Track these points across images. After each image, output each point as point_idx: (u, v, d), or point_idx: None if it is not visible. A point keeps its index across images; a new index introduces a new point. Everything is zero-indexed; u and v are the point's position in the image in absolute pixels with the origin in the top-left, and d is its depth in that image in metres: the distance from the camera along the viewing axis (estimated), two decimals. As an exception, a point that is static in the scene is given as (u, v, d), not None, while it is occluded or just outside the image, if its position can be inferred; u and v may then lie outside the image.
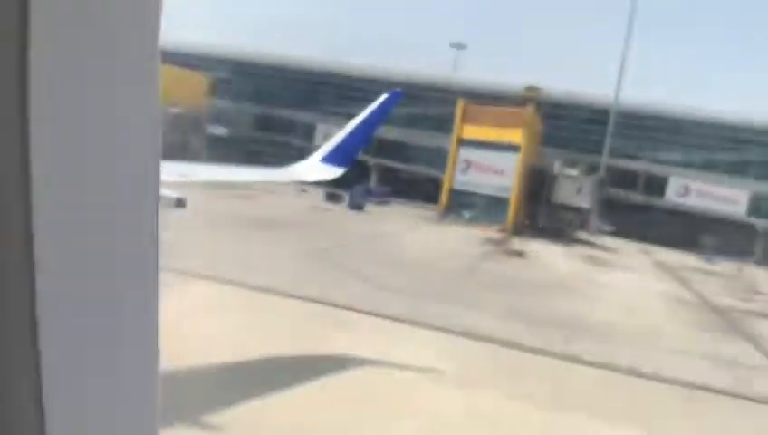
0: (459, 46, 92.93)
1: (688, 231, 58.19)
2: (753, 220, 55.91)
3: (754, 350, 18.48)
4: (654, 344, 17.13)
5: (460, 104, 52.97)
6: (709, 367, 15.41)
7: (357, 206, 46.19)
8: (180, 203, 6.94)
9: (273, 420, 8.34)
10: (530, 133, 49.87)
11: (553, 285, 25.25)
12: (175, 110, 58.02)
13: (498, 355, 13.76)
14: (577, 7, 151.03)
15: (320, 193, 47.19)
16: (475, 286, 22.02)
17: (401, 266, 23.71)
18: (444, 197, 52.23)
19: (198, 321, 11.36)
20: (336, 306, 15.23)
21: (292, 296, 15.44)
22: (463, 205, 51.21)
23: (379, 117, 10.94)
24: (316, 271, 19.68)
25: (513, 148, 49.49)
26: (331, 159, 10.44)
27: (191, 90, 65.76)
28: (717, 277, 39.89)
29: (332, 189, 49.33)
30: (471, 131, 51.50)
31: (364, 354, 11.72)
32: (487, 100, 57.49)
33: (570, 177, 50.37)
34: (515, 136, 49.32)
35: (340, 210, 43.48)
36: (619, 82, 60.09)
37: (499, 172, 50.16)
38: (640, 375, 13.67)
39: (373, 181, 62.87)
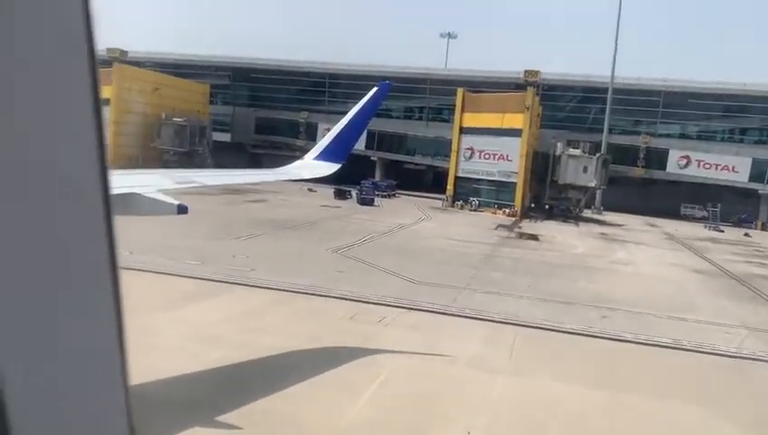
0: (450, 36, 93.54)
1: (692, 201, 58.83)
2: (755, 186, 56.41)
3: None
4: (690, 317, 17.65)
5: (460, 93, 53.29)
6: (749, 336, 15.94)
7: (366, 201, 46.59)
8: (182, 210, 7.25)
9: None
10: (531, 117, 50.22)
11: (575, 266, 25.73)
12: (179, 120, 58.33)
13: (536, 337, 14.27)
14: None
15: (327, 191, 47.59)
16: (504, 272, 22.48)
17: (428, 258, 24.17)
18: (450, 185, 52.62)
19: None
20: (398, 306, 15.73)
21: (355, 300, 15.96)
22: (469, 191, 51.66)
23: (370, 110, 11.26)
24: (357, 269, 20.16)
25: (514, 132, 49.84)
26: (327, 155, 10.78)
27: (195, 99, 66.18)
28: (727, 244, 40.46)
29: (340, 186, 49.80)
30: (472, 119, 51.86)
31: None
32: (483, 87, 57.91)
33: (574, 157, 50.74)
34: (517, 121, 49.67)
35: (351, 206, 43.89)
36: (614, 59, 60.24)
37: (503, 157, 50.57)
38: (694, 349, 14.23)
39: (378, 175, 63.18)
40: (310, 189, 48.32)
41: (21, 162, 0.92)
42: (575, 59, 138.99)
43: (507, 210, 48.49)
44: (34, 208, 0.95)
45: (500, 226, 39.79)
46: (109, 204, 1.03)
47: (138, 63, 63.05)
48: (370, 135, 63.56)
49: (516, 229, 38.92)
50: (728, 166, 57.80)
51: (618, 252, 31.78)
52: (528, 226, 42.17)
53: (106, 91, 52.43)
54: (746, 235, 48.92)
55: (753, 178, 56.76)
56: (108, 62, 54.72)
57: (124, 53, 60.05)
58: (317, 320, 14.02)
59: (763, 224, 55.68)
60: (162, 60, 67.54)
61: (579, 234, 39.68)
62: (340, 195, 49.21)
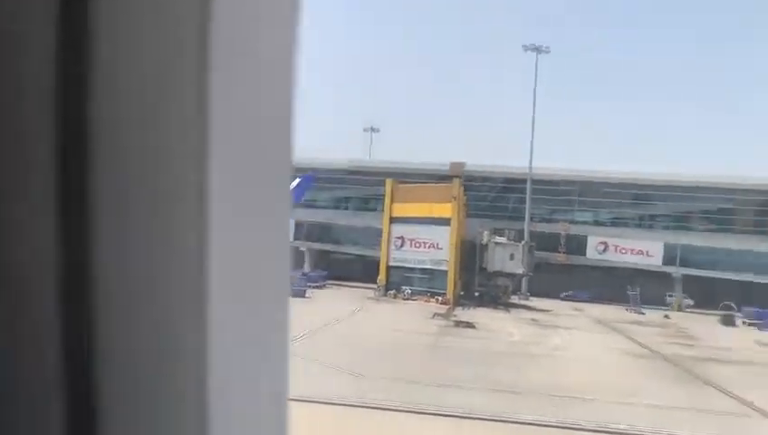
0: (372, 130, 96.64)
1: (612, 285, 61.16)
2: (667, 268, 59.61)
3: (723, 395, 19.53)
4: (640, 401, 17.73)
5: (389, 184, 54.37)
6: (698, 417, 16.12)
7: (297, 293, 45.55)
8: None
9: None
10: (458, 206, 51.67)
11: (516, 354, 25.74)
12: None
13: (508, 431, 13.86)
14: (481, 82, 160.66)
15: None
16: (446, 363, 22.11)
17: (367, 352, 23.51)
18: (382, 274, 52.57)
19: None
20: (328, 403, 14.92)
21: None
22: (401, 280, 51.72)
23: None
24: (299, 366, 19.20)
25: (443, 221, 50.97)
26: None
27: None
28: (651, 327, 41.93)
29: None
30: (401, 209, 52.73)
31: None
32: (409, 178, 59.47)
33: (501, 244, 52.16)
34: (445, 210, 50.92)
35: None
36: (531, 151, 63.78)
37: (433, 245, 51.31)
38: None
39: (307, 266, 62.45)
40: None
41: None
42: (496, 149, 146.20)
43: (440, 298, 48.68)
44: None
45: (436, 314, 39.68)
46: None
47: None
48: (299, 226, 63.32)
49: (452, 317, 38.90)
50: (643, 250, 61.02)
51: (553, 338, 32.17)
52: (462, 313, 42.26)
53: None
54: (666, 316, 50.97)
55: (666, 262, 59.98)
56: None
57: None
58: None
59: (679, 305, 58.41)
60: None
61: (512, 320, 40.10)
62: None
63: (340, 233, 65.97)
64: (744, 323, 47.54)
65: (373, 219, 61.10)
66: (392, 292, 50.92)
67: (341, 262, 68.49)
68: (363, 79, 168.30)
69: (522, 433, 13.85)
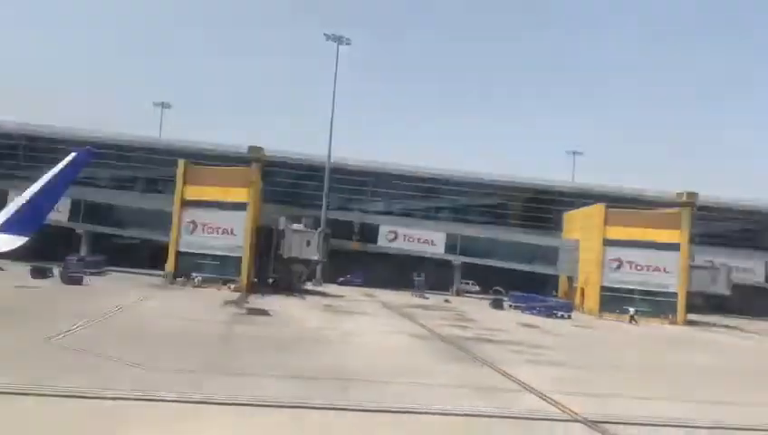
0: (164, 105, 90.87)
1: (400, 271, 64.70)
2: (449, 256, 64.71)
3: (493, 371, 21.56)
4: (418, 379, 18.86)
5: (181, 164, 51.49)
6: (470, 394, 17.53)
7: (74, 280, 41.30)
8: None
9: None
10: (256, 191, 50.72)
11: (310, 340, 25.93)
12: None
13: (296, 416, 13.82)
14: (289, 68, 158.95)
15: (21, 269, 41.22)
16: (239, 352, 21.58)
17: (161, 341, 22.12)
18: (170, 260, 49.74)
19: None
20: (138, 399, 13.68)
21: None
22: (192, 267, 49.38)
23: (67, 178, 10.02)
24: (82, 360, 17.28)
25: (239, 206, 49.69)
26: (10, 227, 9.19)
27: None
28: (433, 310, 45.11)
29: (38, 264, 43.51)
30: (195, 192, 50.33)
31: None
32: (205, 160, 56.99)
33: (298, 231, 52.21)
34: (241, 195, 49.70)
35: (55, 286, 38.43)
36: (329, 143, 64.80)
37: (227, 231, 49.80)
38: (430, 411, 15.01)
39: (84, 250, 56.93)
40: (-1, 268, 41.37)
41: None
42: (297, 137, 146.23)
43: (233, 286, 47.46)
44: None
45: (228, 302, 38.60)
46: None
47: None
48: (75, 205, 57.50)
49: (245, 305, 38.12)
50: (428, 239, 65.46)
51: (346, 323, 33.06)
52: (256, 300, 41.66)
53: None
54: (446, 301, 55.30)
55: (448, 250, 65.01)
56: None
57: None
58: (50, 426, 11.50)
59: (458, 290, 63.75)
60: None
61: (307, 307, 40.46)
62: (39, 273, 42.88)
63: (125, 215, 61.02)
64: (510, 306, 53.28)
65: (163, 202, 57.54)
66: (181, 279, 48.46)
67: (125, 247, 63.49)
68: (154, 48, 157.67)
69: (316, 418, 13.90)
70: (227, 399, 14.38)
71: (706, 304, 59.31)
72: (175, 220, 50.39)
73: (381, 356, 23.36)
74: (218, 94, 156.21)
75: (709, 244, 65.87)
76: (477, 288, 65.17)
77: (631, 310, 50.00)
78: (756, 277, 68.36)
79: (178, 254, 49.96)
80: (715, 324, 53.31)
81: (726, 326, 52.45)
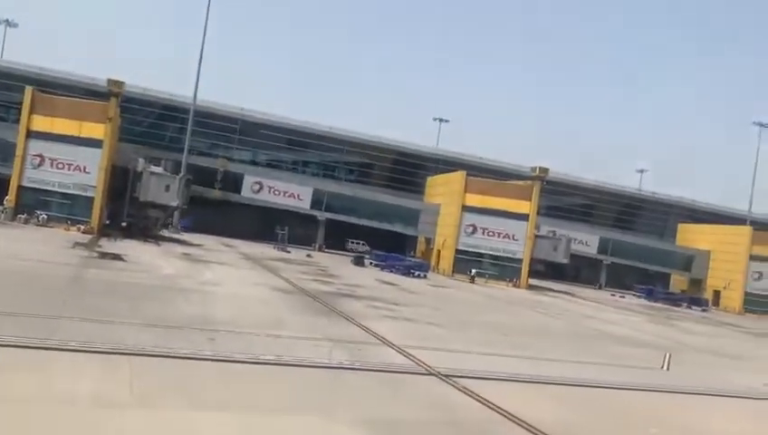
0: (9, 23, 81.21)
1: (263, 224, 64.01)
2: (314, 212, 64.88)
3: (353, 326, 22.31)
4: (280, 331, 19.10)
5: (28, 92, 46.82)
6: (330, 345, 18.08)
7: None
8: None
9: None
10: (113, 128, 47.42)
11: (167, 288, 25.19)
12: None
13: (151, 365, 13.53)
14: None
15: None
16: (93, 298, 20.51)
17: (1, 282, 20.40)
18: (11, 194, 45.46)
19: None
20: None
21: None
22: (37, 204, 45.58)
23: None
24: None
25: (93, 143, 46.32)
26: None
27: None
28: (296, 264, 45.33)
29: None
30: (44, 123, 46.16)
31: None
32: (53, 89, 52.26)
33: (157, 175, 49.68)
34: (97, 131, 46.32)
35: None
36: (196, 83, 61.68)
37: (79, 168, 46.32)
38: (297, 363, 15.29)
39: None
40: None
41: None
42: (162, 75, 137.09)
43: (82, 227, 44.47)
44: None
45: (77, 244, 36.20)
46: None
47: None
48: None
49: (97, 248, 35.98)
50: (294, 193, 65.06)
51: (205, 272, 32.37)
52: (108, 244, 39.41)
53: None
54: (308, 255, 55.70)
55: (313, 206, 65.12)
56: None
57: None
58: None
59: (320, 246, 64.29)
60: None
61: (163, 254, 38.99)
62: None
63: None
64: (371, 263, 54.85)
65: (3, 130, 52.22)
66: (24, 215, 44.56)
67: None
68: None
69: (176, 367, 13.69)
70: (81, 346, 13.71)
71: (547, 270, 64.95)
72: (19, 152, 45.91)
73: (242, 308, 23.25)
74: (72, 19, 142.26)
75: (554, 216, 71.81)
76: (367, 248, 65.44)
77: (473, 271, 54.10)
78: (590, 249, 75.69)
79: (21, 188, 45.77)
80: (551, 289, 58.58)
81: (561, 292, 57.85)
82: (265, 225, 63.29)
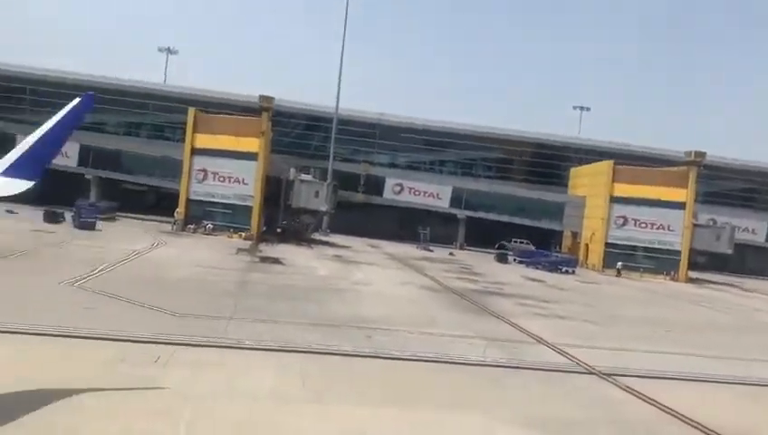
0: (170, 51, 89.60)
1: (405, 224, 65.28)
2: (454, 210, 65.04)
3: (504, 324, 22.26)
4: (432, 329, 19.54)
5: (191, 112, 51.42)
6: (484, 343, 18.21)
7: (87, 225, 41.83)
8: None
9: None
10: (266, 141, 50.85)
11: (323, 289, 26.58)
12: None
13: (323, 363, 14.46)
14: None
15: (33, 213, 41.71)
16: (259, 299, 22.21)
17: (181, 287, 22.77)
18: (181, 208, 50.24)
19: None
20: (170, 343, 14.30)
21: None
22: (202, 214, 50.02)
23: (71, 122, 10.04)
24: (107, 304, 17.92)
25: (250, 156, 49.95)
26: (15, 171, 9.37)
27: None
28: (439, 263, 45.81)
29: (51, 208, 44.09)
30: (205, 140, 50.46)
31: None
32: (213, 108, 56.79)
33: (307, 182, 52.61)
34: (252, 144, 49.88)
35: (68, 231, 38.97)
36: (338, 93, 64.36)
37: (239, 180, 50.19)
38: (450, 361, 15.67)
39: (93, 196, 57.29)
40: (9, 211, 41.79)
41: None
42: (305, 88, 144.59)
43: (243, 234, 48.13)
44: None
45: (240, 250, 39.25)
46: None
47: None
48: (84, 151, 57.59)
49: (258, 253, 38.81)
50: (433, 193, 65.69)
51: (356, 273, 33.73)
52: (267, 249, 42.34)
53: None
54: (451, 254, 56.01)
55: (453, 204, 65.33)
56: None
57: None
58: (81, 366, 12.07)
59: (462, 244, 64.37)
60: None
61: (316, 256, 41.15)
62: (52, 218, 43.50)
63: (133, 161, 61.17)
64: (514, 260, 54.04)
65: (169, 149, 57.79)
66: (192, 226, 49.08)
67: (133, 193, 64.07)
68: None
69: (342, 364, 14.52)
70: (256, 344, 15.01)
71: (709, 262, 60.16)
72: (185, 168, 50.70)
73: (393, 307, 23.95)
74: (225, 44, 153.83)
75: (712, 202, 66.36)
76: (532, 248, 61.54)
77: (619, 264, 51.46)
78: (757, 237, 69.03)
79: (189, 201, 50.48)
80: (714, 282, 54.24)
81: (725, 284, 53.38)
82: (407, 225, 64.51)
